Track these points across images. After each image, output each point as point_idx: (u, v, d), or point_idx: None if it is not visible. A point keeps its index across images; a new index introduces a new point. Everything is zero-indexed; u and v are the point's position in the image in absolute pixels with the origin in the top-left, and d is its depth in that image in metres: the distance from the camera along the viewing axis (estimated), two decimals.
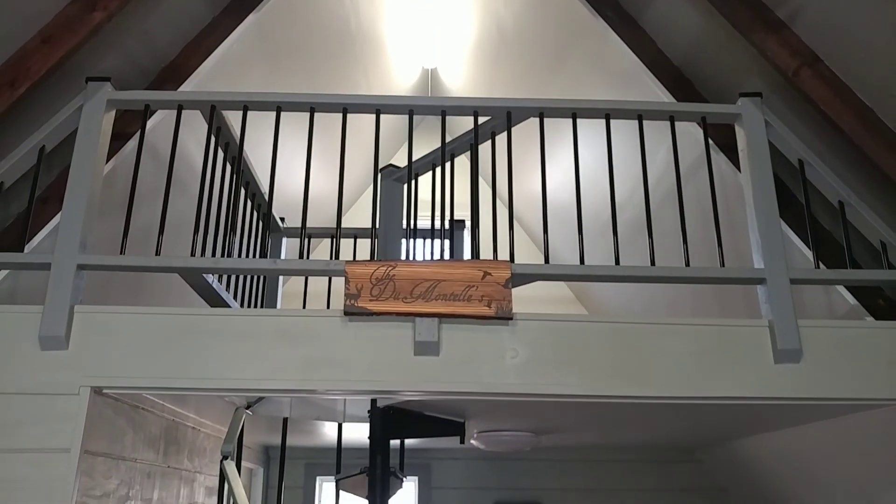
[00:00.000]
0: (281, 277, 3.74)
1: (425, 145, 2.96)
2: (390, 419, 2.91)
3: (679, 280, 2.36)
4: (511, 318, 2.17)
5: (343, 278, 2.20)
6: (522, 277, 2.24)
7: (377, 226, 2.62)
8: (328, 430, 4.01)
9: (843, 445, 3.03)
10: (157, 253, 2.27)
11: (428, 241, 3.30)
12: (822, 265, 2.34)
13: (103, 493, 2.52)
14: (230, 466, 2.67)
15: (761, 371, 2.19)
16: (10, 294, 2.38)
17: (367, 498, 2.86)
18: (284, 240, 3.71)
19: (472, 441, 3.88)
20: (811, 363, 2.19)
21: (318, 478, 5.08)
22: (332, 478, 3.56)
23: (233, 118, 2.59)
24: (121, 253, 2.26)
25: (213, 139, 2.53)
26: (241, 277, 3.14)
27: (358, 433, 3.40)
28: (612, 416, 3.23)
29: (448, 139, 2.62)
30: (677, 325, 2.24)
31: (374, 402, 2.88)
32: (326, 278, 3.67)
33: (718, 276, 2.33)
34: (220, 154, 2.69)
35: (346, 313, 2.16)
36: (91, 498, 2.44)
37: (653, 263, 2.30)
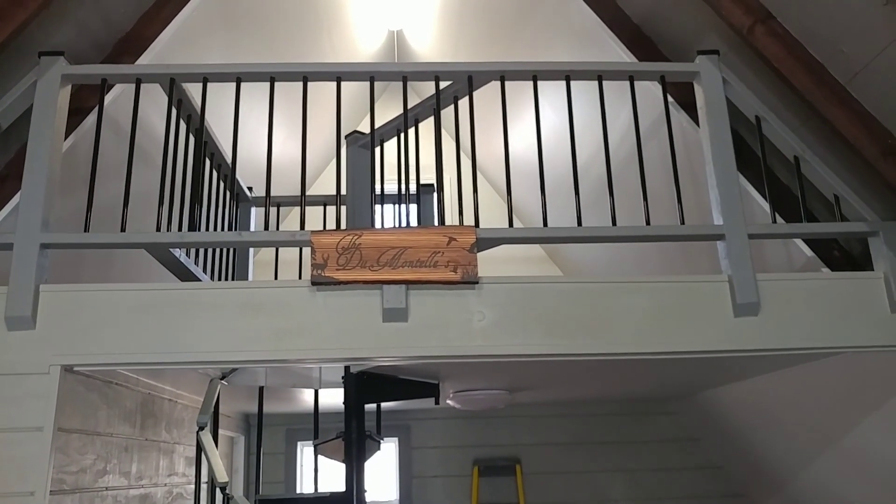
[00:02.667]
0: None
1: (392, 108, 2.94)
2: (364, 384, 2.95)
3: (640, 239, 2.41)
4: (477, 282, 2.20)
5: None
6: (487, 242, 2.26)
7: (345, 193, 2.63)
8: (306, 397, 4.04)
9: (801, 391, 3.13)
10: (123, 229, 2.26)
11: (398, 206, 3.30)
12: (780, 219, 2.39)
13: (79, 469, 2.55)
14: (206, 437, 2.70)
15: (722, 325, 2.25)
16: None
17: (343, 462, 2.91)
18: (253, 209, 3.70)
19: (448, 401, 3.94)
20: (769, 315, 2.25)
21: (298, 443, 5.13)
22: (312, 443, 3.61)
23: (194, 87, 2.56)
24: (85, 230, 2.25)
25: (174, 112, 2.50)
26: (211, 249, 3.13)
27: (336, 398, 3.43)
28: (579, 373, 3.30)
29: (416, 101, 2.61)
30: (639, 283, 2.28)
31: (347, 368, 2.92)
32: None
33: (678, 233, 2.37)
34: (183, 126, 2.67)
35: (314, 283, 2.18)
36: (67, 474, 2.47)
37: (614, 223, 2.33)
